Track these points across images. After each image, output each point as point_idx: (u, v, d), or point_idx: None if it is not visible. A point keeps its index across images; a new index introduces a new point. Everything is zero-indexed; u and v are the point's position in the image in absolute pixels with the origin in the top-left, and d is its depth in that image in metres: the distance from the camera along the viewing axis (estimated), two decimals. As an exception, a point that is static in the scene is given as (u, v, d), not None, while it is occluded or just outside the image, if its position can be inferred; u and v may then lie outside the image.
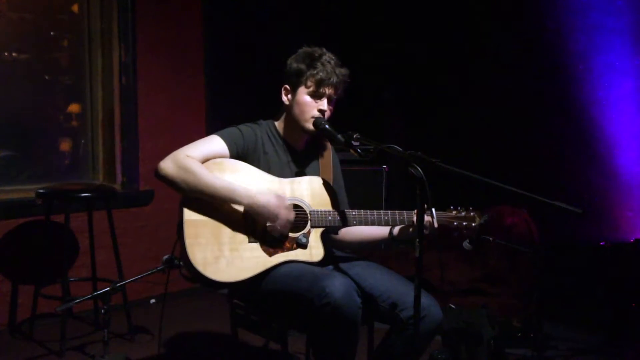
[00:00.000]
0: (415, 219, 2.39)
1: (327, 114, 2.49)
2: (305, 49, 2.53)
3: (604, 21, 4.32)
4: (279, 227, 2.36)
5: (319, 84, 2.45)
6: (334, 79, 2.45)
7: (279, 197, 2.38)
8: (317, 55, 2.48)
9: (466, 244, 2.73)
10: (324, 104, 2.48)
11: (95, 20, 4.29)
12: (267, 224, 2.35)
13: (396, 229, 2.52)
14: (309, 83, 2.46)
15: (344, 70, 2.49)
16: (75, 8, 4.28)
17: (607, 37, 4.33)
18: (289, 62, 2.52)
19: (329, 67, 2.45)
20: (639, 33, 4.23)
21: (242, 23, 4.89)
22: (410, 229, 2.47)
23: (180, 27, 4.58)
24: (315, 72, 2.44)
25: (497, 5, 4.70)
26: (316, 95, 2.47)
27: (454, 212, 2.49)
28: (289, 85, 2.52)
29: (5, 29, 3.99)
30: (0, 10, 3.94)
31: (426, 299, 2.31)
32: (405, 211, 2.45)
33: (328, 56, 2.49)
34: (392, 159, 4.51)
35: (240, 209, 2.38)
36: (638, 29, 4.23)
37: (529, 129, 4.62)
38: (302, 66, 2.46)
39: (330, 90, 2.47)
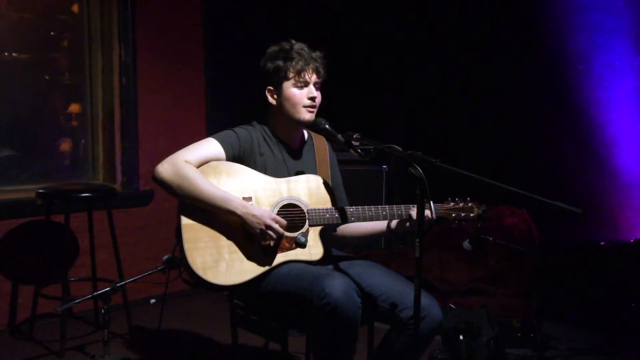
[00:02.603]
0: (413, 212, 2.40)
1: (318, 99, 2.51)
2: (273, 47, 2.53)
3: (604, 21, 4.32)
4: (270, 237, 2.35)
5: (301, 72, 2.46)
6: (313, 63, 2.47)
7: (270, 213, 2.37)
8: (288, 47, 2.49)
9: (466, 244, 2.74)
10: (311, 90, 2.49)
11: (95, 20, 4.29)
12: (257, 232, 2.33)
13: (394, 223, 2.53)
14: (290, 75, 2.46)
15: (319, 53, 2.52)
16: (75, 8, 4.28)
17: (607, 37, 4.33)
18: (262, 64, 2.52)
19: (305, 54, 2.47)
20: (639, 33, 4.22)
21: (242, 23, 4.90)
22: (408, 224, 2.48)
23: (180, 27, 4.58)
24: (293, 62, 2.45)
25: (497, 5, 4.70)
26: (301, 84, 2.47)
27: (452, 204, 2.50)
28: (272, 86, 2.51)
29: (5, 29, 3.99)
30: (1, 10, 3.94)
31: (426, 299, 2.31)
32: (402, 205, 2.45)
33: (299, 45, 2.50)
34: (392, 159, 4.51)
35: None
36: (638, 29, 4.22)
37: (529, 129, 4.62)
38: (279, 62, 2.47)
39: (313, 76, 2.49)
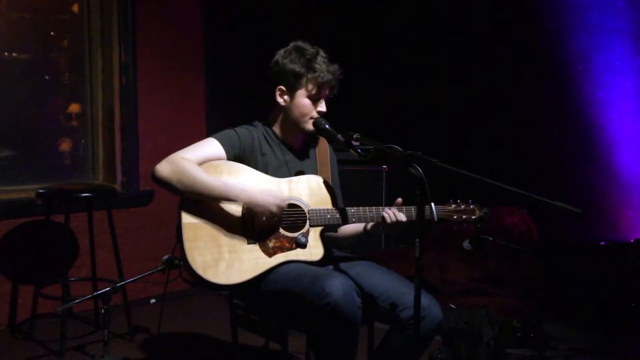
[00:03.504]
0: (385, 214, 2.40)
1: (324, 113, 2.51)
2: (295, 45, 2.50)
3: (604, 21, 4.32)
4: (274, 213, 2.35)
5: (320, 87, 2.46)
6: (331, 79, 2.46)
7: (276, 194, 2.38)
8: (311, 55, 2.46)
9: (466, 244, 2.74)
10: (323, 105, 2.50)
11: (95, 20, 4.29)
12: (262, 213, 2.33)
13: (369, 224, 2.52)
14: (309, 86, 2.45)
15: (337, 67, 2.49)
16: (75, 8, 4.28)
17: (607, 37, 4.33)
18: (281, 61, 2.48)
19: (324, 68, 2.45)
20: (639, 33, 4.23)
21: (242, 23, 4.90)
22: (380, 227, 2.46)
23: (180, 27, 4.58)
24: (315, 75, 2.44)
25: (497, 5, 4.70)
26: (315, 98, 2.47)
27: (454, 206, 2.50)
28: (285, 87, 2.49)
29: (5, 29, 3.99)
30: (0, 10, 3.94)
31: (426, 299, 2.31)
32: (404, 206, 2.45)
33: (321, 55, 2.48)
34: (392, 159, 4.51)
35: (238, 210, 2.38)
36: (638, 29, 4.23)
37: (529, 129, 4.62)
38: (300, 69, 2.44)
39: (328, 91, 2.49)
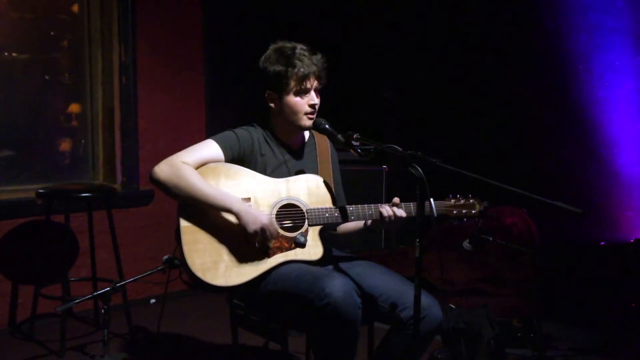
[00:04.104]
0: (382, 210, 2.40)
1: (318, 105, 2.49)
2: (274, 46, 2.49)
3: (604, 21, 4.32)
4: (264, 238, 2.35)
5: (302, 80, 2.42)
6: (315, 70, 2.44)
7: (267, 215, 2.38)
8: (289, 52, 2.44)
9: (466, 244, 2.73)
10: (312, 97, 2.47)
11: (95, 20, 4.29)
12: (251, 231, 2.32)
13: (369, 220, 2.51)
14: (292, 83, 2.43)
15: (319, 57, 2.47)
16: (75, 8, 4.29)
17: (607, 37, 4.33)
18: (262, 66, 2.48)
19: (306, 61, 2.42)
20: (639, 33, 4.22)
21: (242, 23, 4.90)
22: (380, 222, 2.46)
23: (180, 27, 4.58)
24: (295, 70, 2.41)
25: (497, 5, 4.70)
26: (302, 92, 2.45)
27: (453, 201, 2.49)
28: (272, 90, 2.48)
29: (5, 29, 3.99)
30: (0, 10, 3.94)
31: (426, 299, 2.31)
32: (402, 203, 2.45)
33: (300, 49, 2.45)
34: (392, 159, 4.51)
35: None
36: (638, 29, 4.22)
37: (529, 129, 4.62)
38: (280, 68, 2.42)
39: (314, 82, 2.46)
